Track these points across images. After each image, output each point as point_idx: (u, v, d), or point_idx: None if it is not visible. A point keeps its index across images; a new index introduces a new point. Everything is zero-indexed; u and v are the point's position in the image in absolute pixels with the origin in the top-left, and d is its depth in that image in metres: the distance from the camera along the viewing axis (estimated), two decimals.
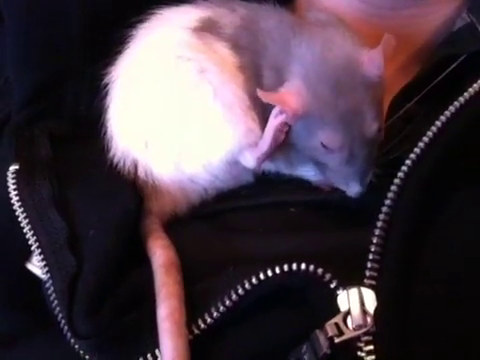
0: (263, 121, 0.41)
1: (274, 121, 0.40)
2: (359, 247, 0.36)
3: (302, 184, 0.42)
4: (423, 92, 0.43)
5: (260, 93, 0.38)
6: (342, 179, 0.40)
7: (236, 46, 0.41)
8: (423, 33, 0.47)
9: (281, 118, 0.39)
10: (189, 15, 0.43)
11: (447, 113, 0.38)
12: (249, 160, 0.41)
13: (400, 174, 0.37)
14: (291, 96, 0.38)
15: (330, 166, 0.40)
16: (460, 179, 0.38)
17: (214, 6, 0.43)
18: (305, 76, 0.39)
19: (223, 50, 0.41)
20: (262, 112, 0.41)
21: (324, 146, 0.39)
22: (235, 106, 0.40)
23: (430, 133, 0.38)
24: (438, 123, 0.38)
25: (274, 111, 0.40)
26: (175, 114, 0.41)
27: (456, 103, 0.39)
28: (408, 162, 0.37)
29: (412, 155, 0.38)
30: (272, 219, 0.41)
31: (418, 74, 0.44)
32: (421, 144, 0.38)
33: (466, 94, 0.39)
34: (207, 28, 0.42)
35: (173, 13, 0.43)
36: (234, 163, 0.42)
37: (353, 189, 0.39)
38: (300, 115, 0.39)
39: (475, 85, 0.39)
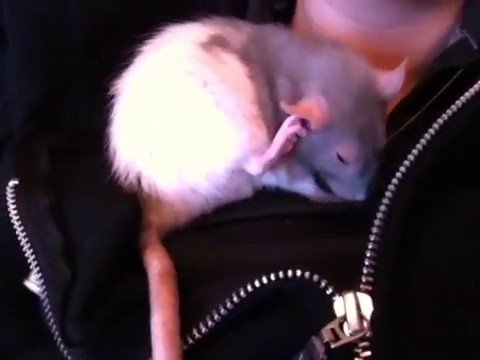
0: (275, 129, 0.41)
1: (287, 129, 0.40)
2: (355, 254, 0.36)
3: (297, 198, 0.42)
4: (425, 107, 0.43)
5: (284, 105, 0.39)
6: (350, 190, 0.41)
7: (245, 58, 0.42)
8: (418, 50, 0.47)
9: (295, 128, 0.40)
10: (197, 31, 0.44)
11: (440, 121, 0.39)
12: (254, 167, 0.41)
13: (394, 180, 0.38)
14: (316, 107, 0.39)
15: (341, 178, 0.41)
16: (453, 183, 0.38)
17: (220, 24, 0.45)
18: (325, 91, 0.40)
19: (232, 61, 0.42)
20: (273, 120, 0.41)
21: (340, 158, 0.40)
22: (238, 114, 0.41)
23: (423, 141, 0.39)
24: (431, 131, 0.39)
25: (288, 120, 0.40)
26: (179, 125, 0.42)
27: (448, 111, 0.39)
28: (402, 169, 0.38)
29: (406, 162, 0.38)
30: (269, 231, 0.41)
31: (414, 89, 0.45)
32: (415, 151, 0.38)
33: (458, 102, 0.39)
34: (215, 43, 0.43)
35: (181, 29, 0.44)
36: (237, 173, 0.42)
37: (358, 198, 0.40)
38: (321, 127, 0.40)
39: (472, 89, 0.40)
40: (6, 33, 0.47)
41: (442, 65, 0.44)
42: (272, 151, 0.41)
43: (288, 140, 0.41)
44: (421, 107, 0.44)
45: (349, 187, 0.41)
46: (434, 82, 0.44)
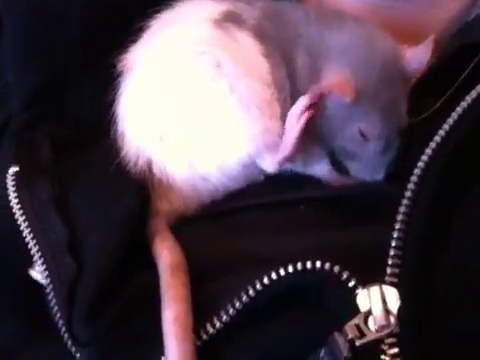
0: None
1: (296, 126, 0.39)
2: (377, 243, 0.34)
3: (311, 181, 0.41)
4: (452, 89, 0.41)
5: (316, 86, 0.38)
6: (369, 170, 0.39)
7: (260, 35, 0.41)
8: (436, 23, 0.45)
9: (302, 122, 0.38)
10: (209, 8, 0.42)
11: (463, 104, 0.37)
12: (269, 164, 0.40)
13: (420, 164, 0.36)
14: (346, 82, 0.38)
15: (361, 157, 0.39)
16: (478, 171, 0.36)
17: (232, 0, 0.43)
18: (349, 66, 0.39)
19: (246, 39, 0.40)
20: (290, 100, 0.40)
21: (362, 134, 0.39)
22: (251, 104, 0.39)
23: (446, 126, 0.37)
24: (454, 115, 0.37)
25: (293, 114, 0.39)
26: (190, 111, 0.40)
27: (471, 94, 0.37)
28: (428, 151, 0.36)
29: (432, 144, 0.36)
30: (282, 217, 0.39)
31: (433, 65, 0.43)
32: (442, 132, 0.36)
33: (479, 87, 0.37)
34: (229, 20, 0.41)
35: (193, 5, 0.42)
36: (249, 164, 0.40)
37: (377, 178, 0.39)
38: (350, 101, 0.38)
39: None
40: (2, 19, 0.45)
41: (463, 40, 0.42)
42: (286, 149, 0.39)
43: (300, 136, 0.39)
44: (440, 85, 0.41)
45: (368, 167, 0.39)
46: (454, 58, 0.42)
